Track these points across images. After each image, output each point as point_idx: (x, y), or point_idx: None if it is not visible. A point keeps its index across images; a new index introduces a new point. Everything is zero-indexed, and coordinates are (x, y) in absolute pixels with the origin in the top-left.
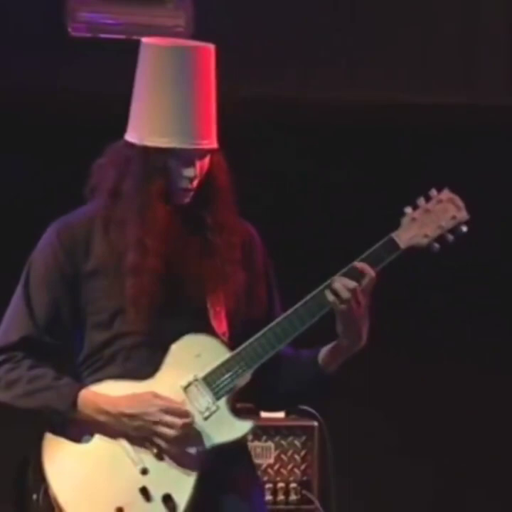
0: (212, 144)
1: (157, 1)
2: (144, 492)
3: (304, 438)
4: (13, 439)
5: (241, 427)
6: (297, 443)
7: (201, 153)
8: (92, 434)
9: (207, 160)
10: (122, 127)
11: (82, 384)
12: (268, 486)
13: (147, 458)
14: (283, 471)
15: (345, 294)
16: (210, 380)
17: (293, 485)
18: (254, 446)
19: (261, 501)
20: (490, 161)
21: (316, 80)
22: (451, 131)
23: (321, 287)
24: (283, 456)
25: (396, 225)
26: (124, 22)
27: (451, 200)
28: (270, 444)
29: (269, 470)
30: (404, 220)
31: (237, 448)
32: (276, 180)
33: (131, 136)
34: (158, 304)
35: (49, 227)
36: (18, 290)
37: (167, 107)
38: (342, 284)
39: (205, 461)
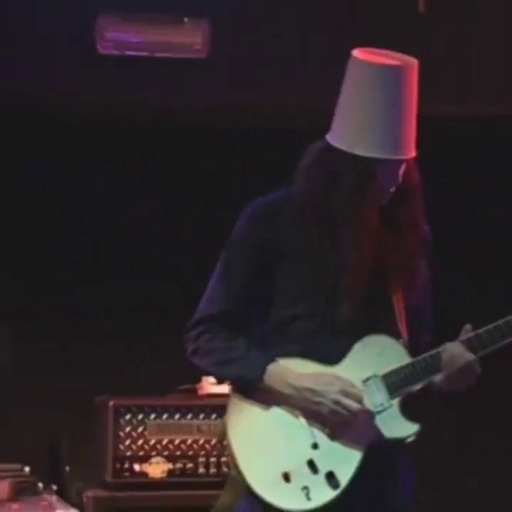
0: (413, 152)
1: (177, 22)
2: (311, 465)
3: None
4: (43, 418)
5: (409, 428)
6: None
7: (405, 162)
8: (274, 404)
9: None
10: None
11: (270, 357)
12: None
13: (319, 435)
14: None
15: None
16: (388, 380)
17: None
18: None
19: (410, 499)
20: (486, 165)
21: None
22: (449, 136)
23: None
24: None
25: None
26: (148, 41)
27: None
28: None
29: None
30: None
31: (399, 445)
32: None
33: (339, 143)
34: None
35: (246, 208)
36: (218, 266)
37: (380, 121)
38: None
39: (370, 449)
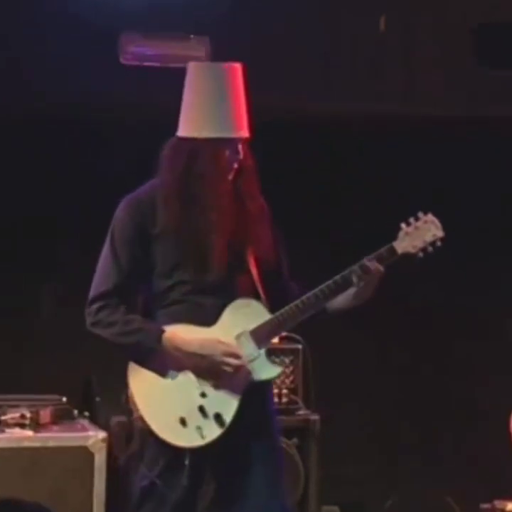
0: (247, 133)
1: (184, 38)
2: (202, 409)
3: (292, 357)
4: (79, 357)
5: (275, 370)
6: (287, 360)
7: (242, 140)
8: (167, 366)
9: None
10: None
11: (163, 327)
12: None
13: (206, 385)
14: (276, 381)
15: (373, 274)
16: (255, 334)
17: (284, 391)
18: None
19: (276, 422)
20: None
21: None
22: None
23: (347, 270)
24: None
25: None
26: (161, 53)
27: (432, 222)
28: None
29: None
30: (401, 234)
31: (267, 385)
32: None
33: (190, 133)
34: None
35: (122, 201)
36: (106, 250)
37: (217, 109)
38: (373, 267)
39: (246, 391)
